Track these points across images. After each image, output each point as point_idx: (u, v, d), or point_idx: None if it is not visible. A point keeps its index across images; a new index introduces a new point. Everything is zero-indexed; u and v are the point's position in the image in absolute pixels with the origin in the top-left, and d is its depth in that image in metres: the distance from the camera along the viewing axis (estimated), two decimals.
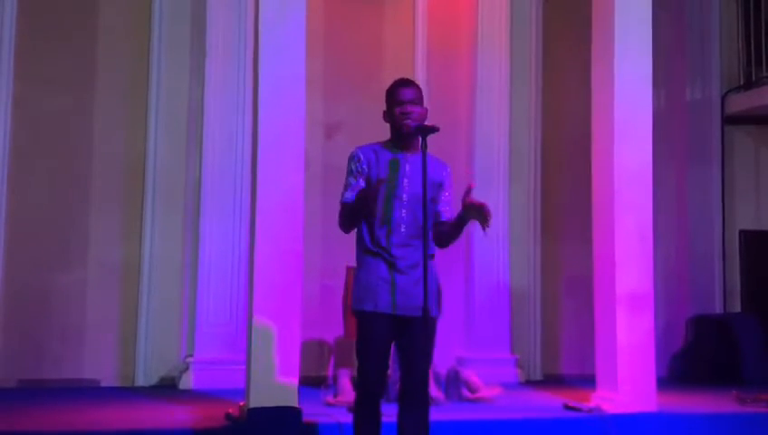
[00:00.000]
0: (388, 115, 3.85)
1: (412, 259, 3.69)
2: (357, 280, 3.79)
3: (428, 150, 3.65)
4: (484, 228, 3.63)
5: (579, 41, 6.25)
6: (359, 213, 3.74)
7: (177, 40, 7.03)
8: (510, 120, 7.54)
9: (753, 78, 8.35)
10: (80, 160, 6.92)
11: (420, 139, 3.67)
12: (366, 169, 3.78)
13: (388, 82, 3.92)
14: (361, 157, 3.80)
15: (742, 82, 8.45)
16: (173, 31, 7.03)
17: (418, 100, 3.83)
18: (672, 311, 7.92)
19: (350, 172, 3.83)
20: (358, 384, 3.80)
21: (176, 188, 6.95)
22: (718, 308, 8.21)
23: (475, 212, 3.64)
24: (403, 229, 3.73)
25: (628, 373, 5.46)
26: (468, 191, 3.67)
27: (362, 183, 3.78)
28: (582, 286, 6.15)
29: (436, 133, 3.66)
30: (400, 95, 3.81)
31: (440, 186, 3.87)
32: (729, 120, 8.46)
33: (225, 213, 6.76)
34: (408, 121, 3.76)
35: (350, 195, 3.80)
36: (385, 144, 3.86)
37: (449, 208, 3.89)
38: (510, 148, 7.52)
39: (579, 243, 6.45)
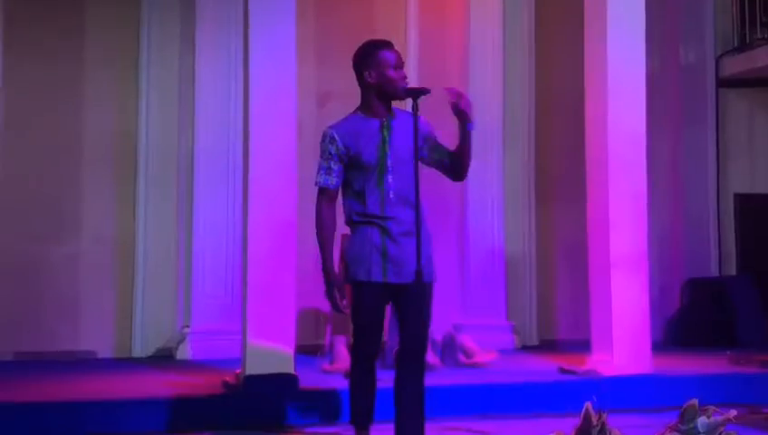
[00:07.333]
0: (376, 78, 3.74)
1: (405, 224, 3.67)
2: (349, 249, 3.76)
3: (420, 115, 3.61)
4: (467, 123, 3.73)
5: (572, 2, 6.19)
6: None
7: (167, 8, 6.97)
8: (503, 84, 7.47)
9: (748, 40, 8.27)
10: (70, 132, 6.87)
11: (412, 101, 3.63)
12: (344, 151, 3.69)
13: None
14: (336, 137, 3.70)
15: (736, 44, 8.37)
16: None
17: None
18: (667, 275, 7.90)
19: (326, 154, 3.72)
20: (353, 350, 3.83)
21: (169, 159, 6.92)
22: (713, 271, 8.21)
23: (456, 109, 3.70)
24: (392, 196, 3.70)
25: (623, 335, 5.47)
26: (452, 95, 3.69)
27: (339, 167, 3.70)
28: (577, 252, 6.13)
29: (428, 96, 3.63)
30: (395, 58, 3.76)
31: (428, 137, 3.83)
32: (723, 82, 8.39)
33: (219, 183, 6.72)
34: (402, 84, 3.73)
35: (327, 180, 3.71)
36: (363, 114, 3.77)
37: (447, 144, 3.87)
38: (504, 112, 7.47)
39: (574, 208, 6.41)
